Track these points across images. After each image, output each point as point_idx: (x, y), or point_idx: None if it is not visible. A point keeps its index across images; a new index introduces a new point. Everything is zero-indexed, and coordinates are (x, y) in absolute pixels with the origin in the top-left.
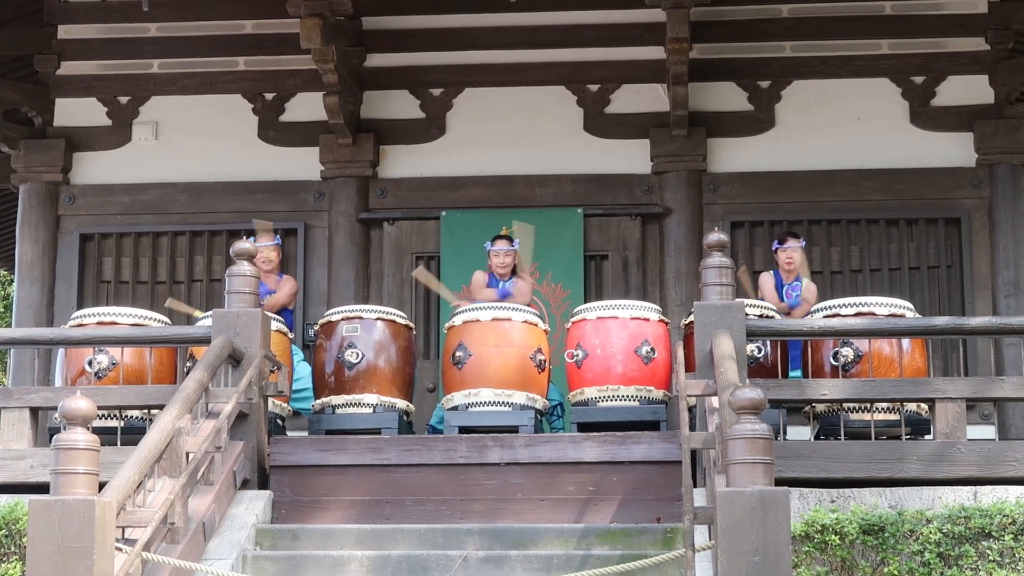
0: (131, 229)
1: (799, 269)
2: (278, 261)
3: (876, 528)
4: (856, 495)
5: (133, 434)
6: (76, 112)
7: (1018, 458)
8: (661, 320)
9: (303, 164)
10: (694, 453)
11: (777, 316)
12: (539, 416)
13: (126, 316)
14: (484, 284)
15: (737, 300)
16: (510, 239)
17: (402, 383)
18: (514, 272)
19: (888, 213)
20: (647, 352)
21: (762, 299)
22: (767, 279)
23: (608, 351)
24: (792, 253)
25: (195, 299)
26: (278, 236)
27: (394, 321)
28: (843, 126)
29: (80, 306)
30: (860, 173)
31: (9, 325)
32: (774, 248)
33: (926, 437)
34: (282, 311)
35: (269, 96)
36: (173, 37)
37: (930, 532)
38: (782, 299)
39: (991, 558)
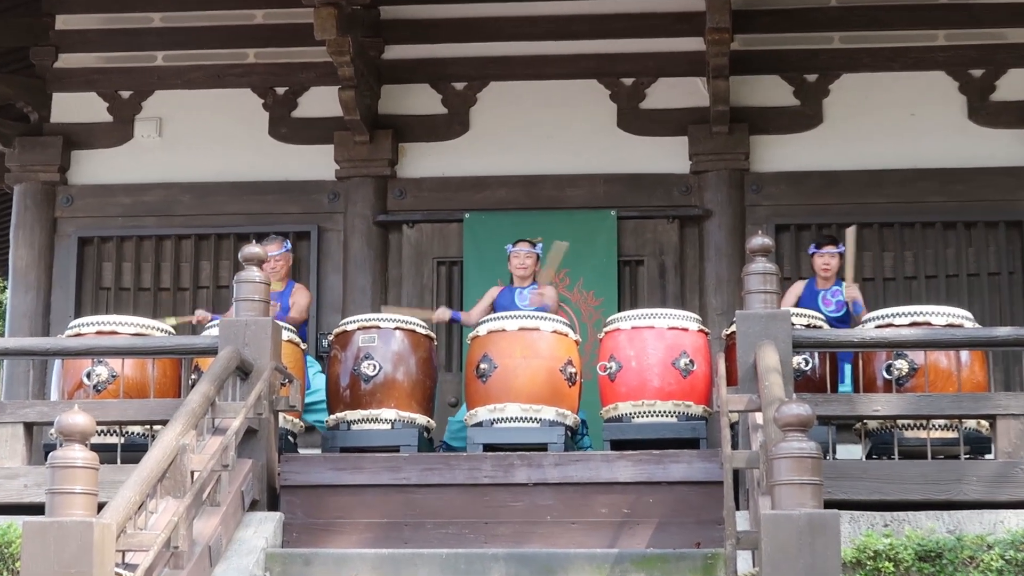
0: (133, 232)
1: (846, 284)
2: (288, 268)
3: (933, 554)
4: (911, 519)
5: (134, 451)
6: (74, 108)
7: None
8: (701, 330)
9: (317, 163)
10: (737, 473)
11: (825, 326)
12: (569, 433)
13: (127, 325)
14: (492, 296)
15: (783, 309)
16: (532, 243)
17: (422, 397)
18: (534, 281)
19: (945, 216)
20: (686, 364)
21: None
22: (796, 290)
23: (644, 363)
24: (830, 259)
25: (201, 306)
26: (287, 242)
27: (414, 331)
28: (896, 122)
29: (78, 314)
30: (914, 173)
31: (2, 335)
32: (810, 252)
33: (987, 456)
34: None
35: (281, 91)
36: (178, 28)
37: (991, 559)
38: (818, 308)
39: None
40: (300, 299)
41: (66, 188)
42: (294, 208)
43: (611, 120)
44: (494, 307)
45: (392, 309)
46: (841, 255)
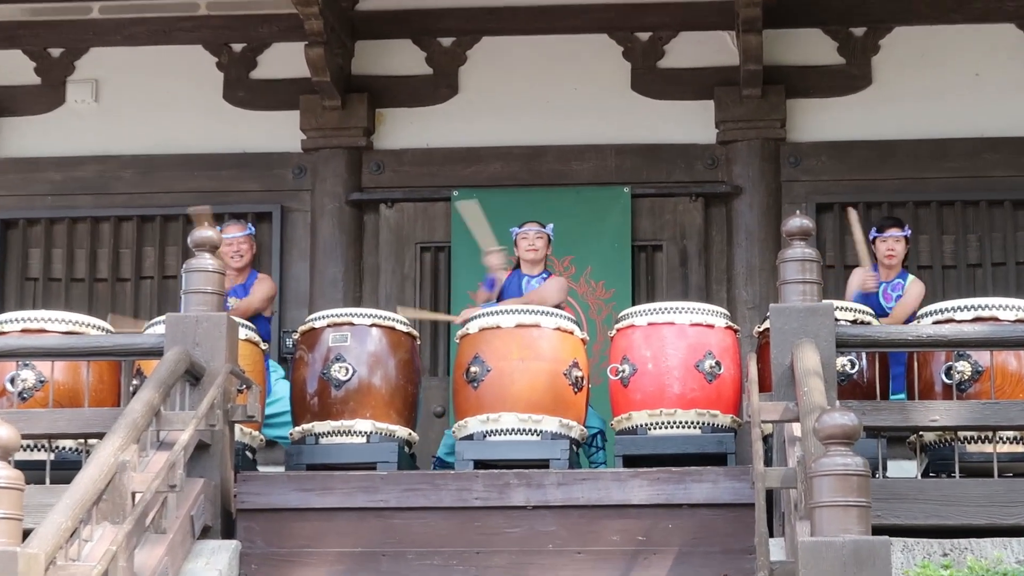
0: (64, 213)
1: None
2: (251, 256)
3: None
4: (975, 547)
5: (66, 469)
6: None
7: None
8: (729, 327)
9: (279, 132)
10: (770, 494)
11: (875, 322)
12: (575, 447)
13: (58, 322)
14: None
15: (825, 302)
16: (541, 223)
17: (403, 406)
18: (546, 268)
19: (1015, 193)
20: (711, 367)
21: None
22: (852, 281)
23: (662, 366)
24: (894, 244)
25: (144, 301)
26: (251, 225)
27: (393, 328)
28: (957, 84)
29: (0, 309)
30: (979, 143)
31: None
32: (871, 237)
33: None
34: (255, 319)
35: (237, 48)
36: None
37: None
38: (880, 301)
39: None
40: (260, 289)
41: None
42: (253, 185)
43: (624, 81)
44: (500, 295)
45: (409, 312)
46: (907, 239)
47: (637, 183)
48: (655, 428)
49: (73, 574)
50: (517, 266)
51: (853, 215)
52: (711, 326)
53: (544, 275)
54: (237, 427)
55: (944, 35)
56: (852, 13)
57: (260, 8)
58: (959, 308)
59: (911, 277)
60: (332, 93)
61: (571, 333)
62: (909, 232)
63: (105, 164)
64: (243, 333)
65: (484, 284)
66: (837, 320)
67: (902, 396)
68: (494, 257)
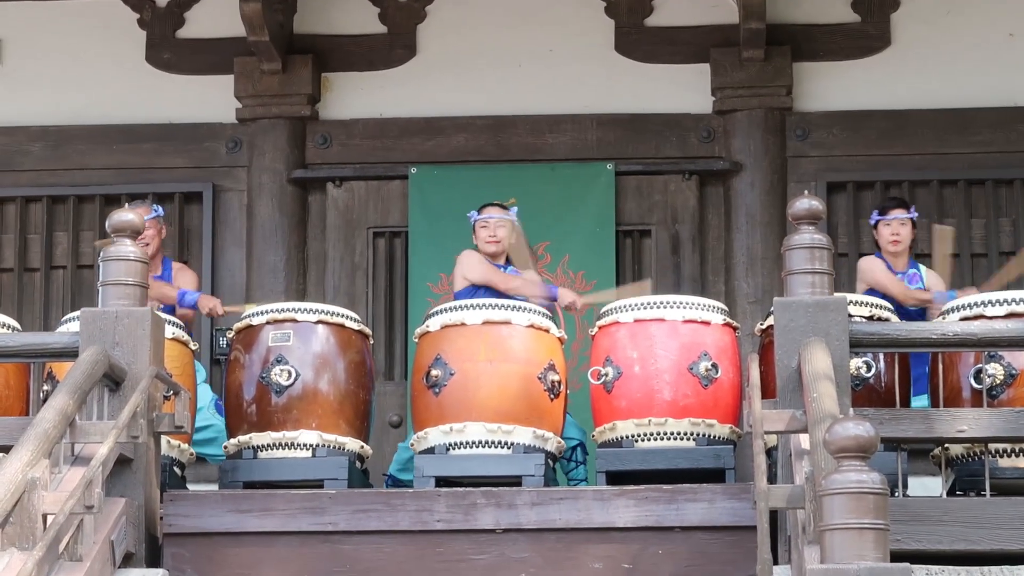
0: None
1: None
2: (159, 242)
3: None
4: (1007, 575)
5: None
6: None
7: None
8: (727, 324)
9: (211, 100)
10: (774, 515)
11: (894, 319)
12: (551, 462)
13: None
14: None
15: (837, 295)
16: (504, 206)
17: (353, 414)
18: (508, 261)
19: None
20: (707, 370)
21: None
22: (875, 263)
23: (650, 368)
24: (899, 228)
25: (56, 294)
26: (157, 206)
27: (343, 325)
28: (987, 46)
29: None
30: (1012, 112)
31: None
32: (872, 221)
33: None
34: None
35: (162, 2)
36: None
37: None
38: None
39: None
40: (181, 283)
41: None
42: (181, 160)
43: (607, 41)
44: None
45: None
46: (914, 222)
47: (622, 159)
48: (643, 440)
49: None
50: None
51: (945, 233)
52: (707, 323)
53: (509, 267)
54: (163, 439)
55: None
56: None
57: None
58: (990, 302)
59: (924, 268)
60: (271, 55)
61: (546, 331)
62: (915, 214)
63: (10, 136)
64: (170, 331)
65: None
66: (851, 316)
67: (925, 402)
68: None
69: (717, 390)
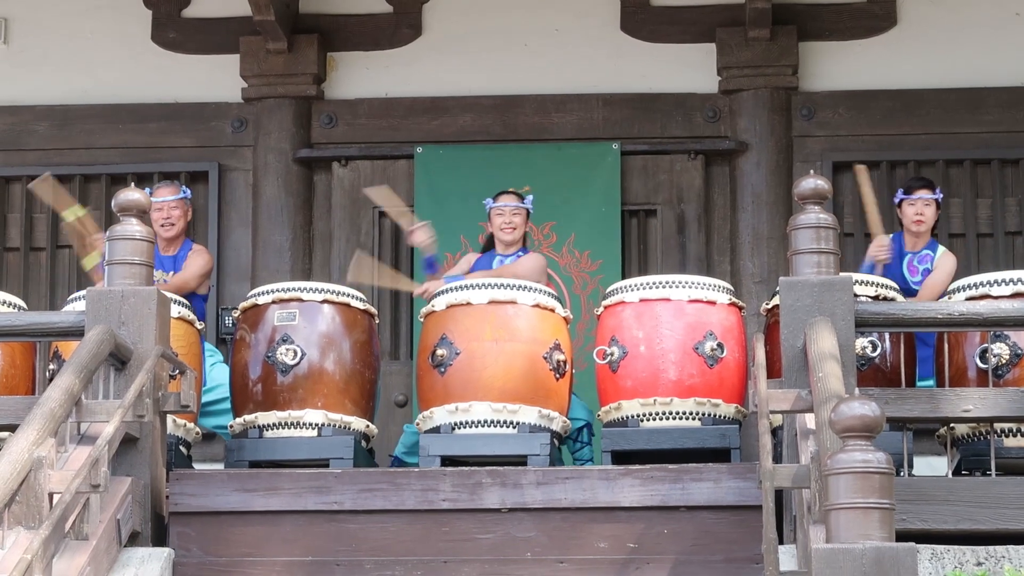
0: None
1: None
2: (185, 224)
3: None
4: (1013, 555)
5: None
6: None
7: None
8: (732, 303)
9: (217, 79)
10: (779, 495)
11: (900, 298)
12: (556, 442)
13: None
14: (469, 263)
15: (843, 275)
16: (520, 195)
17: (359, 394)
18: (524, 246)
19: None
20: (712, 349)
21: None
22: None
23: (656, 348)
24: (923, 208)
25: (61, 273)
26: (186, 187)
27: (348, 305)
28: (994, 25)
29: None
30: (1019, 92)
31: None
32: (896, 200)
33: None
34: (189, 296)
35: None
36: None
37: None
38: (904, 273)
39: None
40: (195, 263)
41: None
42: (187, 140)
43: (613, 21)
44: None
45: (364, 264)
46: (938, 203)
47: (627, 138)
48: (648, 420)
49: None
50: (489, 245)
51: (862, 172)
52: (712, 303)
53: (522, 251)
54: (169, 418)
55: None
56: None
57: None
58: (996, 282)
59: (941, 249)
60: (277, 34)
61: (552, 311)
62: (941, 195)
63: (16, 116)
64: (176, 311)
65: (424, 267)
66: (857, 296)
67: (931, 383)
68: (418, 235)
69: (723, 370)
